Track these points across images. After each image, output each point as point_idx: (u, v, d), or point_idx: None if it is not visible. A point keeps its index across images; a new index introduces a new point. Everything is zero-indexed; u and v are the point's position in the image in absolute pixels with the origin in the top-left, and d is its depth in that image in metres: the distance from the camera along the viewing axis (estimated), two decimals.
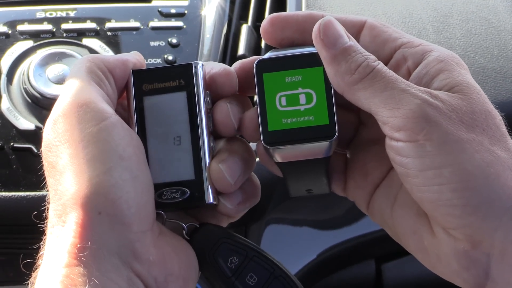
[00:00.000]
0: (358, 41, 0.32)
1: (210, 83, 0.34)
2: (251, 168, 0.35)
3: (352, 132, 0.35)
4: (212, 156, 0.33)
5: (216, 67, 0.35)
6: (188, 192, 0.33)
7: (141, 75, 0.34)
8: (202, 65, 0.34)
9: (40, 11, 0.55)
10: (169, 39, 0.55)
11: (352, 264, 0.63)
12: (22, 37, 0.54)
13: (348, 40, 0.31)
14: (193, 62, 0.33)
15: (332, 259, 0.60)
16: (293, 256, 0.59)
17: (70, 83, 0.33)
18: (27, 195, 0.47)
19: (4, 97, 0.50)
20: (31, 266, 0.31)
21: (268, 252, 0.49)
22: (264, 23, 0.33)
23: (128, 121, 0.33)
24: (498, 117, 0.30)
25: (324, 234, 0.63)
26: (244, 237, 0.51)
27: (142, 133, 0.33)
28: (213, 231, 0.34)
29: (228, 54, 0.57)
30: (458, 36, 0.63)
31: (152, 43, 0.55)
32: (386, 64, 0.31)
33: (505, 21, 0.66)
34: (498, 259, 0.28)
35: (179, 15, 0.56)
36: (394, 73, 0.30)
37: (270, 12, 0.59)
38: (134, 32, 0.55)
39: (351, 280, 0.66)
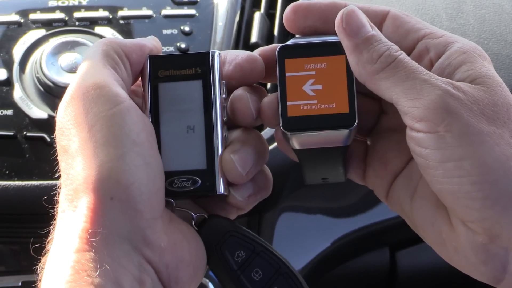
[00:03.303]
0: (381, 31, 0.31)
1: (236, 71, 0.34)
2: (264, 160, 0.34)
3: (373, 120, 0.35)
4: (225, 146, 0.33)
5: (241, 54, 0.34)
6: (199, 182, 0.32)
7: (157, 61, 0.33)
8: (219, 54, 0.34)
9: (50, 4, 0.55)
10: (182, 27, 0.54)
11: (366, 252, 0.62)
12: (34, 26, 0.53)
13: (371, 29, 0.30)
14: (210, 51, 0.33)
15: (347, 247, 0.59)
16: (307, 243, 0.59)
17: (85, 66, 0.32)
18: (40, 184, 0.46)
19: (17, 86, 0.50)
20: (41, 253, 0.31)
21: (283, 240, 0.52)
22: (287, 11, 0.33)
23: (141, 106, 0.33)
24: None
25: (338, 222, 0.62)
26: (258, 226, 0.53)
27: (155, 119, 0.33)
28: (221, 224, 0.34)
29: (241, 42, 0.56)
30: (471, 22, 0.62)
31: (164, 31, 0.54)
32: (408, 54, 0.30)
33: None
34: None
35: (191, 3, 0.56)
36: (416, 63, 0.30)
37: (283, 0, 0.59)
38: (146, 20, 0.54)
39: (366, 267, 0.64)
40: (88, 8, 0.55)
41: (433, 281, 0.65)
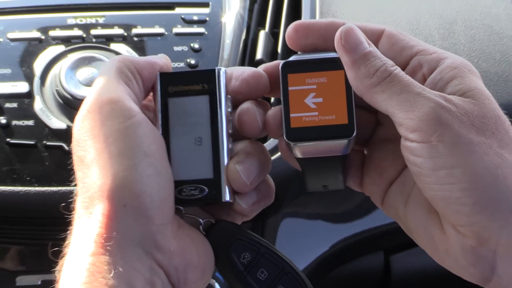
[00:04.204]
0: (377, 47, 0.32)
1: (243, 86, 0.35)
2: (267, 170, 0.35)
3: (370, 131, 0.36)
4: (230, 157, 0.34)
5: (247, 70, 0.35)
6: (206, 190, 0.34)
7: (167, 77, 0.34)
8: (225, 71, 0.34)
9: (71, 18, 0.56)
10: (192, 44, 0.55)
11: (362, 255, 0.63)
12: (54, 42, 0.54)
13: (368, 46, 0.31)
14: (216, 68, 0.34)
15: (344, 251, 0.60)
16: (307, 247, 0.60)
17: (100, 81, 0.33)
18: (58, 190, 0.48)
19: (37, 98, 0.51)
20: (59, 255, 0.31)
21: (285, 243, 0.52)
22: (289, 30, 0.34)
23: (152, 120, 0.33)
24: (507, 122, 0.30)
25: (336, 227, 0.63)
26: (262, 230, 0.54)
27: (165, 132, 0.34)
28: (227, 228, 0.35)
29: (247, 58, 0.57)
30: (462, 42, 0.63)
31: (175, 48, 0.55)
32: (403, 69, 0.31)
33: (507, 28, 0.67)
34: (504, 256, 0.29)
35: (201, 22, 0.57)
36: (410, 77, 0.30)
37: (286, 19, 0.60)
38: (158, 38, 0.56)
39: (361, 270, 0.65)
40: (104, 25, 0.56)
41: (425, 283, 0.65)
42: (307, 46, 0.34)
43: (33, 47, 0.54)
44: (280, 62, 0.34)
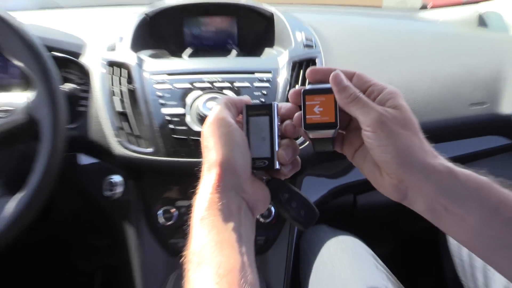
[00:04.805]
0: (351, 81, 0.39)
1: (285, 112, 0.43)
2: (297, 153, 0.42)
3: (346, 124, 0.42)
4: (279, 146, 0.41)
5: (287, 104, 0.43)
6: (267, 162, 0.41)
7: (249, 107, 0.42)
8: (277, 104, 0.41)
9: (205, 77, 0.73)
10: (263, 91, 0.72)
11: (343, 195, 0.83)
12: (196, 88, 0.72)
13: (346, 82, 0.38)
14: (273, 102, 0.42)
15: (334, 193, 0.80)
16: (316, 191, 0.78)
17: (216, 108, 0.41)
18: (196, 160, 0.56)
19: (188, 116, 0.69)
20: (194, 193, 0.40)
21: (305, 189, 0.68)
22: (307, 71, 0.41)
23: (241, 128, 0.40)
24: (416, 122, 0.37)
25: (331, 181, 0.81)
26: (294, 182, 0.68)
27: (247, 134, 0.41)
28: (277, 181, 0.43)
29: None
30: (394, 77, 0.80)
31: (254, 93, 0.72)
32: (364, 93, 0.38)
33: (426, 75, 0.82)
34: (410, 189, 0.37)
35: (267, 81, 0.74)
36: (367, 98, 0.37)
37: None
38: (246, 87, 0.73)
39: (342, 203, 0.84)
40: (221, 81, 0.73)
41: (373, 209, 0.83)
42: (316, 80, 0.41)
43: (187, 91, 0.72)
44: (302, 88, 0.41)
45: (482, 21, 1.11)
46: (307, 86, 0.41)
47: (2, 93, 0.67)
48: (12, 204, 0.60)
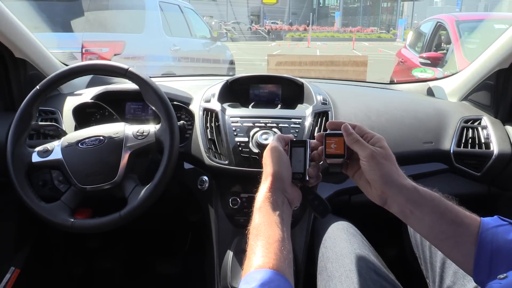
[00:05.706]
0: (354, 130, 0.59)
1: (314, 145, 0.63)
2: (319, 171, 0.64)
3: (350, 155, 0.61)
4: (309, 166, 0.61)
5: (315, 142, 0.63)
6: (301, 175, 0.61)
7: (292, 141, 0.65)
8: (309, 140, 0.64)
9: (262, 120, 1.02)
10: (296, 130, 1.02)
11: (341, 196, 1.06)
12: (256, 127, 1.01)
13: (352, 131, 0.59)
14: (306, 139, 0.64)
15: (337, 194, 1.05)
16: (326, 191, 1.05)
17: (271, 142, 0.63)
18: (258, 170, 0.70)
19: (250, 142, 0.99)
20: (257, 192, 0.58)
21: (321, 192, 0.95)
22: (327, 123, 0.63)
23: (286, 153, 0.61)
24: (394, 157, 0.56)
25: (336, 186, 1.06)
26: (316, 189, 0.97)
27: (290, 157, 0.63)
28: (306, 187, 0.63)
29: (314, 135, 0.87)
30: (388, 131, 1.07)
31: (291, 131, 1.01)
32: (362, 137, 0.57)
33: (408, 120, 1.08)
34: (389, 198, 0.55)
35: (298, 124, 1.01)
36: (363, 140, 0.56)
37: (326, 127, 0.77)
38: (285, 127, 1.02)
39: (340, 201, 1.06)
40: (271, 123, 1.01)
41: (363, 206, 0.91)
42: (331, 128, 0.61)
43: (250, 127, 1.02)
44: (323, 133, 0.62)
45: (430, 92, 1.48)
46: (327, 132, 0.62)
47: (143, 124, 0.98)
48: (144, 191, 0.86)
